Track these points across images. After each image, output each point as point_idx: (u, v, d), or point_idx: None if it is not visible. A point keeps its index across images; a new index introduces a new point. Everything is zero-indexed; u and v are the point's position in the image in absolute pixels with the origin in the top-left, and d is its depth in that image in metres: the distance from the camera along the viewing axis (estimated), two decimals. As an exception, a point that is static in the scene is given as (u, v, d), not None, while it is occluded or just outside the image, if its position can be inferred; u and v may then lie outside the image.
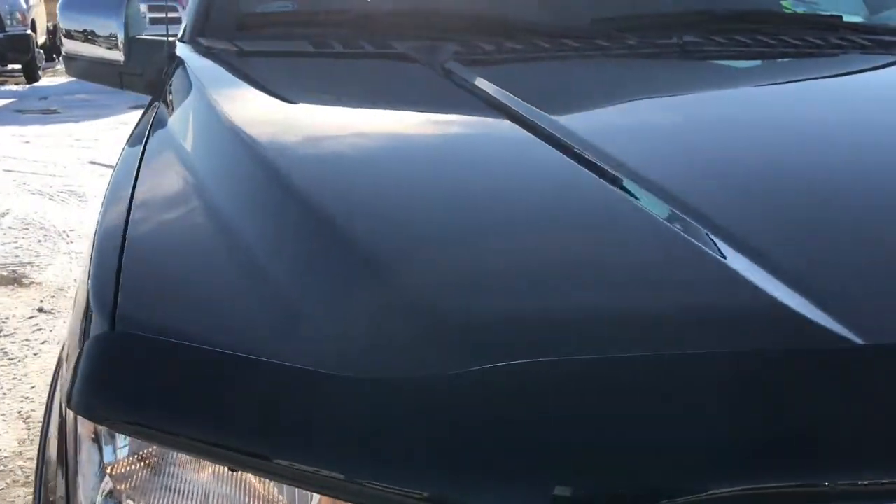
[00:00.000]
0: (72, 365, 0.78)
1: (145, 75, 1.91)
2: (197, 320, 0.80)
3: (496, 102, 1.28)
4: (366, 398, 0.68)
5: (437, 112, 1.37)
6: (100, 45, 2.00)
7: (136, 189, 1.07)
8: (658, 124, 1.28)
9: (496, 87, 1.33)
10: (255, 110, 1.29)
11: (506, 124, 1.21)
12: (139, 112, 1.58)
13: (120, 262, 0.87)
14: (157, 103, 1.56)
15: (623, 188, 0.96)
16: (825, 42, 1.67)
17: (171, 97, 1.53)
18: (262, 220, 0.95)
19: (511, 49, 1.59)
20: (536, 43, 1.62)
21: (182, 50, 1.72)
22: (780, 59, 1.67)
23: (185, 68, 1.58)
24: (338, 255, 0.86)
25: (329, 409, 0.69)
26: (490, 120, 1.26)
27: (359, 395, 0.69)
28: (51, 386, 1.21)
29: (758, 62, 1.66)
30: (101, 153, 6.78)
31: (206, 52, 1.64)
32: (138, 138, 1.36)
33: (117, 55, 1.95)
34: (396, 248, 0.87)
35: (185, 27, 1.84)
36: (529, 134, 1.14)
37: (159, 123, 1.35)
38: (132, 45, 1.92)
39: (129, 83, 1.96)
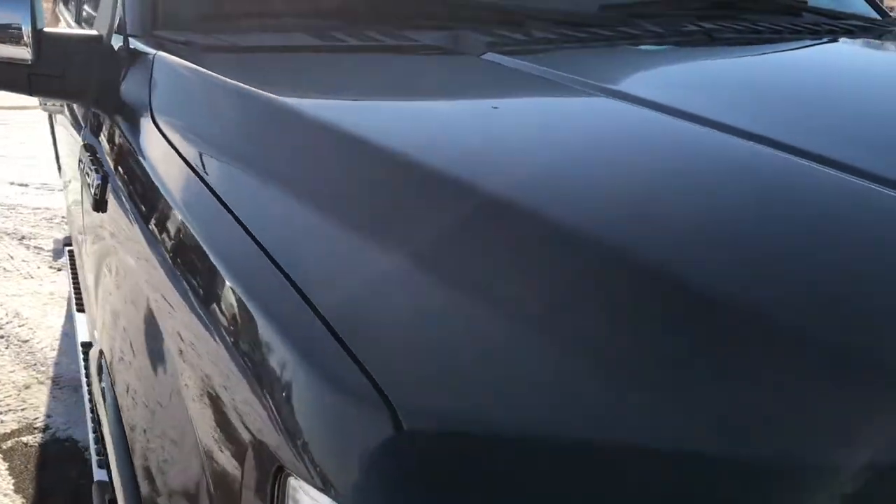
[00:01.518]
0: (340, 474, 0.57)
1: (68, 77, 1.55)
2: (484, 400, 0.59)
3: (590, 90, 1.15)
4: None
5: (546, 99, 1.19)
6: None
7: (252, 231, 0.82)
8: (761, 97, 1.19)
9: (573, 77, 1.18)
10: (318, 115, 1.01)
11: (620, 106, 1.08)
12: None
13: (334, 332, 0.64)
14: (141, 116, 1.25)
15: (791, 156, 0.90)
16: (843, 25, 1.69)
17: (151, 106, 1.22)
18: (465, 252, 0.74)
19: (545, 39, 1.42)
20: (563, 32, 1.47)
21: (141, 46, 1.41)
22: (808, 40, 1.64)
23: (162, 70, 1.27)
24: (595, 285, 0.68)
25: None
26: (601, 101, 1.12)
27: None
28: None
29: (790, 44, 1.62)
30: None
31: (184, 49, 1.33)
32: (164, 166, 1.08)
33: (22, 52, 1.56)
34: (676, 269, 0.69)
35: (125, 19, 1.50)
36: (664, 115, 1.02)
37: (191, 150, 1.05)
38: (42, 39, 1.54)
39: (43, 87, 1.57)
